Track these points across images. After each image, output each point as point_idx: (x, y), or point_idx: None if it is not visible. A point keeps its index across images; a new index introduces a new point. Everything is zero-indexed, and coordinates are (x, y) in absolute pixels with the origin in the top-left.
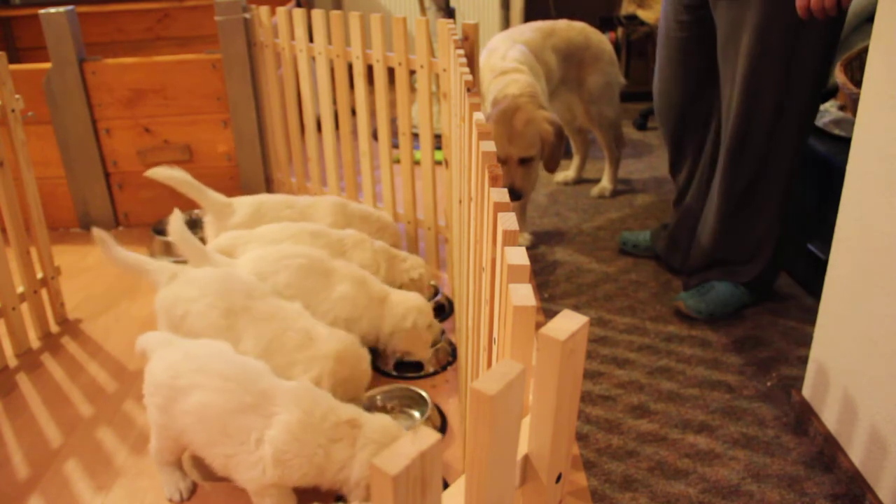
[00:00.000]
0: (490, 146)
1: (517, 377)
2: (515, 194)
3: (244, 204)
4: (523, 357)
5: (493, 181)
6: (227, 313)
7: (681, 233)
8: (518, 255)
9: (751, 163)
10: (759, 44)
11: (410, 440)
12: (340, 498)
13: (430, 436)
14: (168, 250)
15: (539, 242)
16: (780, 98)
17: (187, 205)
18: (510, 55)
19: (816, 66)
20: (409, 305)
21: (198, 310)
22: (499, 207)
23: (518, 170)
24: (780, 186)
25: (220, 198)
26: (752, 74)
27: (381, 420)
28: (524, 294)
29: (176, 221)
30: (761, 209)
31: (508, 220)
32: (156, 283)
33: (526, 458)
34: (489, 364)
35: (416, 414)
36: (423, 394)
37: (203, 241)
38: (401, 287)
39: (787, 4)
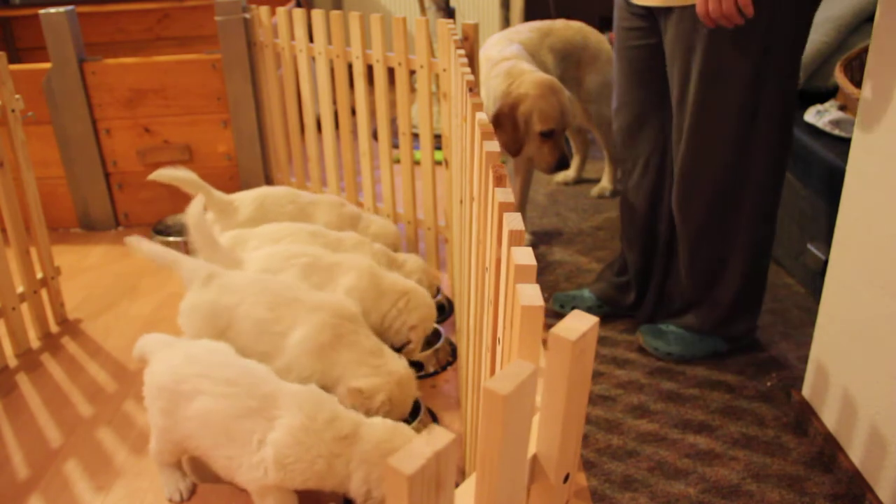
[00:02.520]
0: (494, 146)
1: (529, 377)
2: (566, 162)
3: (247, 201)
4: (531, 357)
5: (498, 181)
6: (273, 306)
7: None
8: (525, 256)
9: (708, 193)
10: (715, 59)
11: (425, 440)
12: (348, 501)
13: (444, 436)
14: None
15: (539, 242)
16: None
17: (186, 206)
18: (507, 51)
19: (788, 72)
20: (422, 315)
21: (241, 313)
22: (504, 207)
23: (563, 138)
24: (752, 220)
25: (223, 197)
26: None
27: (377, 434)
28: (532, 294)
29: (195, 209)
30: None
31: (514, 221)
32: (188, 281)
33: (534, 458)
34: (493, 364)
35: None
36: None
37: None
38: None
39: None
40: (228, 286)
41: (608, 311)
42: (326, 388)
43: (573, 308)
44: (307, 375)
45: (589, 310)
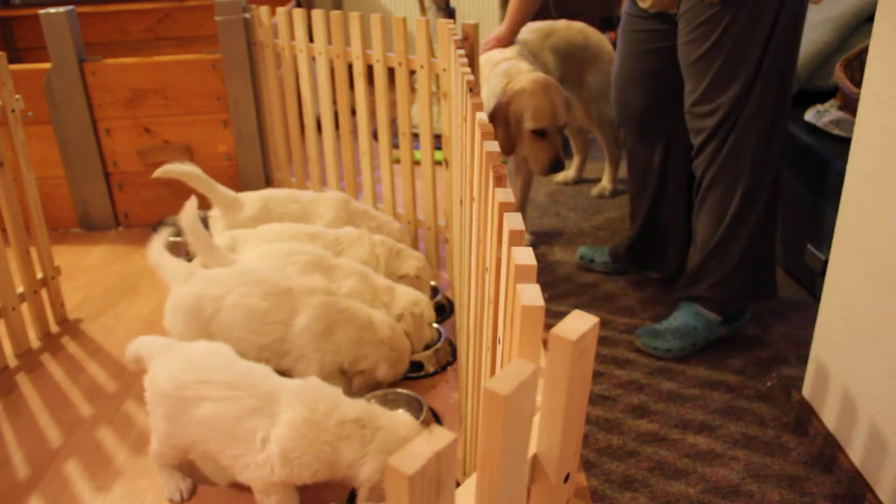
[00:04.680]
0: (494, 146)
1: (530, 377)
2: (560, 164)
3: (252, 199)
4: (531, 357)
5: (498, 181)
6: (266, 295)
7: (649, 245)
8: (525, 255)
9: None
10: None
11: (426, 440)
12: (354, 495)
13: (445, 436)
14: (168, 250)
15: (539, 242)
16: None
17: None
18: (508, 51)
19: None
20: (409, 300)
21: (230, 302)
22: (504, 208)
23: (558, 138)
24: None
25: (229, 193)
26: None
27: (402, 429)
28: (532, 294)
29: (189, 211)
30: (743, 223)
31: (514, 221)
32: (171, 280)
33: (535, 458)
34: (493, 364)
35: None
36: (419, 397)
37: None
38: (400, 280)
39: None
40: (212, 278)
41: (618, 267)
42: (340, 366)
43: (591, 260)
44: (320, 357)
45: (604, 264)
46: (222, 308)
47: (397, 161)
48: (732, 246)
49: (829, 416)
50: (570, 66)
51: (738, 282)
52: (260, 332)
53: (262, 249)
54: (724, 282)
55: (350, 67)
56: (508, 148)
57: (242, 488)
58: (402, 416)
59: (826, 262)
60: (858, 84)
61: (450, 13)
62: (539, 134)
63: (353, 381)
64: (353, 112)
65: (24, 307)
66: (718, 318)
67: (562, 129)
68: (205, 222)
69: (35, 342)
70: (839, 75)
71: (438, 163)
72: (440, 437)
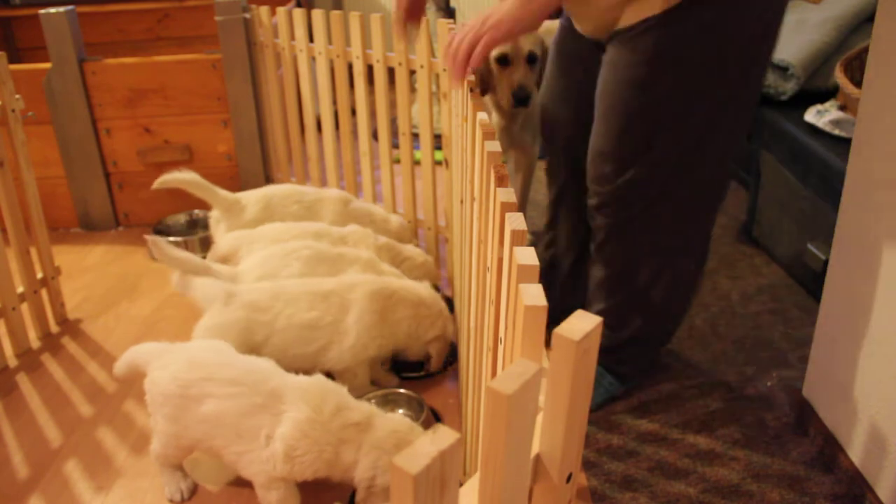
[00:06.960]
0: (495, 146)
1: (533, 377)
2: (524, 97)
3: (253, 199)
4: (533, 357)
5: (500, 181)
6: (312, 305)
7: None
8: (527, 256)
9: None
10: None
11: (430, 440)
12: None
13: (449, 435)
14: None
15: (539, 242)
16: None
17: (185, 206)
18: None
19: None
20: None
21: (282, 324)
22: (506, 207)
23: (526, 69)
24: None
25: (229, 196)
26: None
27: (391, 424)
28: (535, 294)
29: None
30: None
31: (516, 221)
32: (207, 299)
33: (537, 458)
34: (494, 364)
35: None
36: (419, 397)
37: (208, 239)
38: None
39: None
40: (255, 304)
41: None
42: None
43: None
44: (378, 343)
45: None
46: (274, 332)
47: (397, 161)
48: (630, 323)
49: (829, 416)
50: None
51: (636, 354)
52: (314, 339)
53: (260, 255)
54: (616, 352)
55: (350, 67)
56: (482, 87)
57: (243, 488)
58: (399, 420)
59: (826, 262)
60: (858, 84)
61: (450, 13)
62: (502, 62)
63: (430, 350)
64: (353, 112)
65: (24, 307)
66: (615, 378)
67: (530, 61)
68: (205, 223)
69: (35, 342)
70: (839, 75)
71: (438, 163)
72: (444, 436)
